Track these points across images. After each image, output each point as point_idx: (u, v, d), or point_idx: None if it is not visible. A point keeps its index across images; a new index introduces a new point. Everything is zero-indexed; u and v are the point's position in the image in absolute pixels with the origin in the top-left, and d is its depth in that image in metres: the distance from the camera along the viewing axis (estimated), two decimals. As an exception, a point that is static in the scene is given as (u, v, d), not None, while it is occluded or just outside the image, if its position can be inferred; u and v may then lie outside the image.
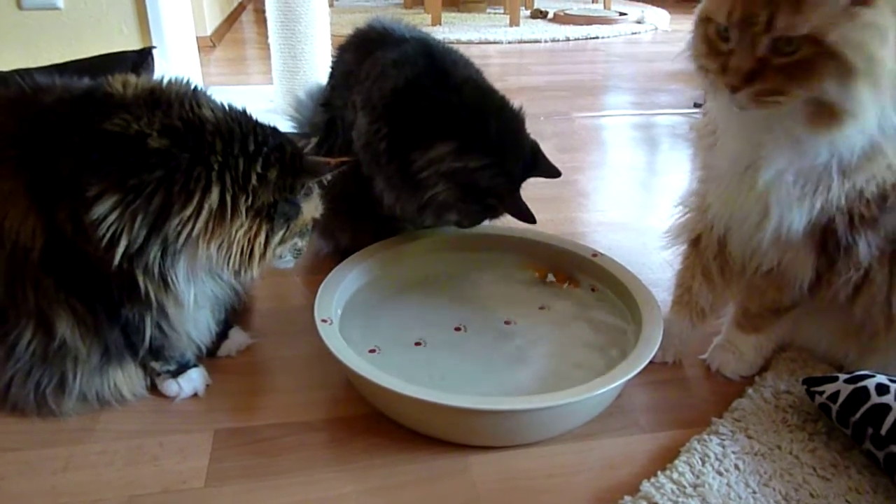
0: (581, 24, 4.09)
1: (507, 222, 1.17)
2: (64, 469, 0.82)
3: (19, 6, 1.84)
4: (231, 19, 4.02)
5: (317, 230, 1.16)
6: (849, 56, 0.68)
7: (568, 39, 3.83)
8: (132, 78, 0.83)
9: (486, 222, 1.15)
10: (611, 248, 1.23)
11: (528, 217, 1.08)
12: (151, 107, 0.78)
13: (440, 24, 4.05)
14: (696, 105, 2.36)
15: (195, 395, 0.94)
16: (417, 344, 1.02)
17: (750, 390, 0.95)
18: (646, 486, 0.79)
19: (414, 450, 0.86)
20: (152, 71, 1.62)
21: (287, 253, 0.90)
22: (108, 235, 0.75)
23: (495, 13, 4.57)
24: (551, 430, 0.88)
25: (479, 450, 0.86)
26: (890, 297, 0.85)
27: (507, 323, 1.08)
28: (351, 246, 1.18)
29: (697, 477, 0.80)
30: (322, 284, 1.04)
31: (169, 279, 0.80)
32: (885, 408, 0.80)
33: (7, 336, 0.82)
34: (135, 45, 1.88)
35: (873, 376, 0.84)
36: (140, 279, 0.79)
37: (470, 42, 3.62)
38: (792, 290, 0.89)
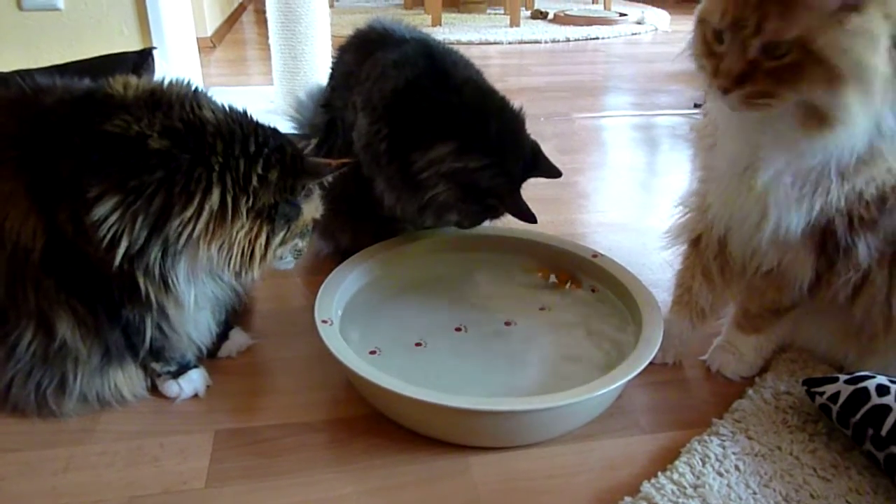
0: (581, 25, 4.09)
1: (507, 223, 1.17)
2: (64, 470, 0.82)
3: (20, 7, 1.84)
4: (231, 20, 4.03)
5: (317, 231, 1.16)
6: (836, 62, 0.68)
7: (568, 40, 3.83)
8: (133, 79, 0.83)
9: (487, 223, 1.16)
10: (611, 248, 1.24)
11: (528, 217, 1.08)
12: (152, 108, 0.78)
13: (440, 24, 4.05)
14: (696, 105, 2.36)
15: (196, 395, 0.94)
16: (418, 345, 1.02)
17: (750, 391, 0.95)
18: (646, 487, 0.79)
19: (414, 450, 0.86)
20: (153, 72, 1.62)
21: (287, 254, 0.90)
22: (108, 236, 0.75)
23: (495, 14, 4.57)
24: (552, 431, 0.88)
25: (480, 450, 0.86)
26: (889, 298, 0.85)
27: (507, 324, 1.08)
28: (351, 247, 1.18)
29: (698, 478, 0.80)
30: (322, 285, 1.04)
31: (169, 280, 0.80)
32: (886, 409, 0.80)
33: (7, 337, 0.82)
34: (135, 45, 1.88)
35: (874, 377, 0.84)
36: (140, 280, 0.79)
37: (470, 43, 3.62)
38: (792, 290, 0.89)
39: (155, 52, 1.68)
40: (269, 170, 0.81)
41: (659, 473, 0.81)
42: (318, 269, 1.19)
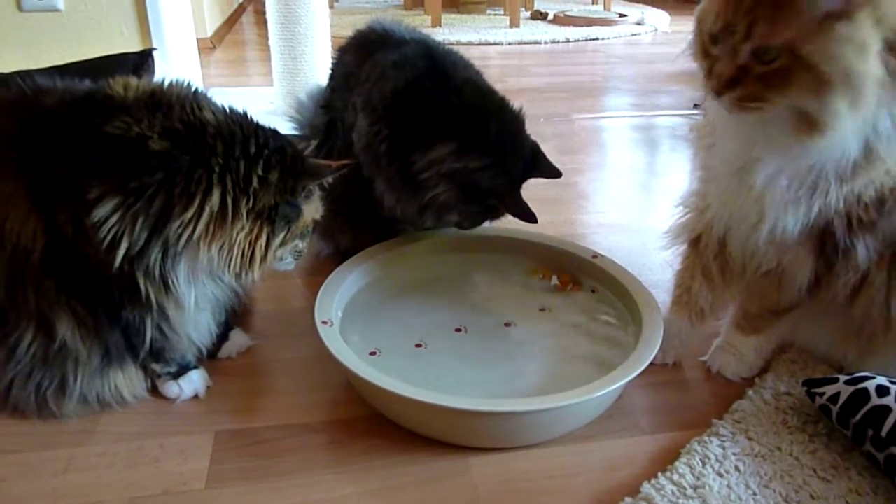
0: (581, 26, 4.10)
1: (507, 224, 1.18)
2: (64, 471, 0.82)
3: (20, 8, 1.85)
4: (231, 21, 4.03)
5: (317, 232, 1.16)
6: (823, 69, 0.69)
7: (568, 41, 3.84)
8: (133, 80, 0.83)
9: (487, 223, 1.16)
10: (611, 249, 1.24)
11: (529, 216, 1.08)
12: (152, 109, 0.78)
13: (440, 25, 4.06)
14: (696, 106, 2.36)
15: (196, 396, 0.94)
16: (418, 346, 1.02)
17: (750, 392, 0.95)
18: (646, 488, 0.79)
19: (414, 451, 0.86)
20: (153, 72, 1.62)
21: (288, 255, 0.90)
22: (108, 238, 0.75)
23: (495, 14, 4.57)
24: (552, 432, 0.88)
25: (480, 451, 0.86)
26: (888, 299, 0.85)
27: (507, 325, 1.08)
28: (351, 248, 1.19)
29: (698, 478, 0.80)
30: (322, 286, 1.04)
31: (170, 281, 0.80)
32: (886, 409, 0.80)
33: (8, 338, 0.82)
34: (135, 46, 1.88)
35: (873, 378, 0.84)
36: (141, 281, 0.79)
37: (470, 43, 3.62)
38: (791, 291, 0.89)
39: (155, 53, 1.68)
40: (269, 171, 0.81)
41: (659, 474, 0.81)
42: (318, 270, 1.19)
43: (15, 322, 0.81)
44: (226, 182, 0.78)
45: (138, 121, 0.76)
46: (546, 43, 3.79)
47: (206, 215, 0.77)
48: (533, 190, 1.10)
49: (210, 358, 1.00)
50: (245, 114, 0.85)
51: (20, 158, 0.78)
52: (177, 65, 1.99)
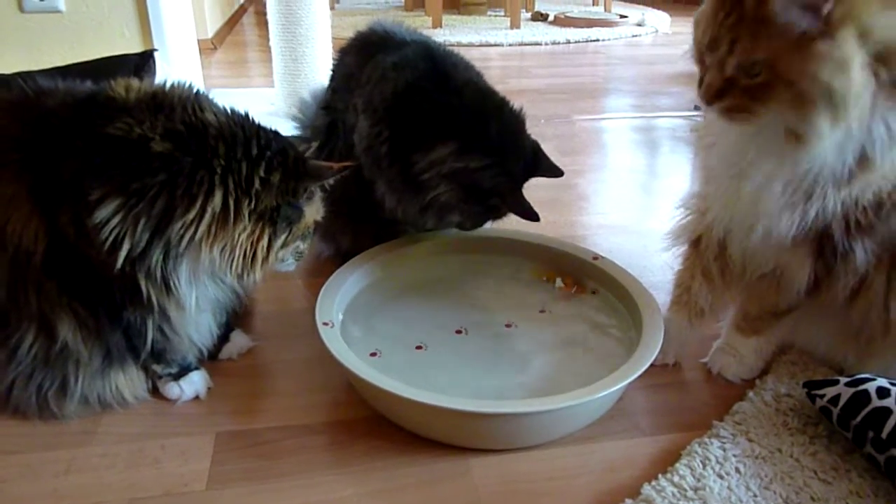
0: (581, 27, 4.10)
1: (508, 224, 1.18)
2: (65, 472, 0.82)
3: (21, 9, 1.85)
4: (232, 22, 4.03)
5: (318, 233, 1.16)
6: (803, 87, 0.70)
7: (568, 42, 3.84)
8: (135, 82, 0.83)
9: (489, 224, 1.16)
10: (611, 251, 1.24)
11: (531, 215, 1.08)
12: (154, 111, 0.78)
13: (441, 26, 4.06)
14: (697, 108, 2.36)
15: (196, 397, 0.95)
16: (419, 347, 1.02)
17: (750, 393, 0.95)
18: (646, 490, 0.79)
19: (415, 453, 0.86)
20: (154, 73, 1.62)
21: (289, 256, 0.90)
22: (110, 239, 0.75)
23: (496, 16, 4.57)
24: (552, 434, 0.88)
25: (480, 453, 0.86)
26: (887, 302, 0.85)
27: (507, 326, 1.08)
28: (352, 249, 1.19)
29: (698, 480, 0.80)
30: (323, 287, 1.04)
31: (171, 283, 0.80)
32: (886, 411, 0.80)
33: (9, 339, 0.82)
34: (136, 47, 1.89)
35: (874, 380, 0.84)
36: (142, 283, 0.79)
37: (471, 45, 3.63)
38: (790, 293, 0.90)
39: (156, 54, 1.68)
40: (271, 172, 0.81)
41: (659, 476, 0.81)
42: (319, 272, 1.19)
43: (16, 323, 0.81)
44: (228, 183, 0.78)
45: (140, 122, 0.76)
46: (547, 44, 3.79)
47: (207, 216, 0.77)
48: (533, 192, 1.10)
49: (211, 359, 1.01)
50: (247, 115, 0.86)
51: (22, 160, 0.79)
52: (178, 66, 1.99)
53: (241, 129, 0.82)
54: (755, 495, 0.78)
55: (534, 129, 1.12)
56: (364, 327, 1.05)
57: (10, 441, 0.86)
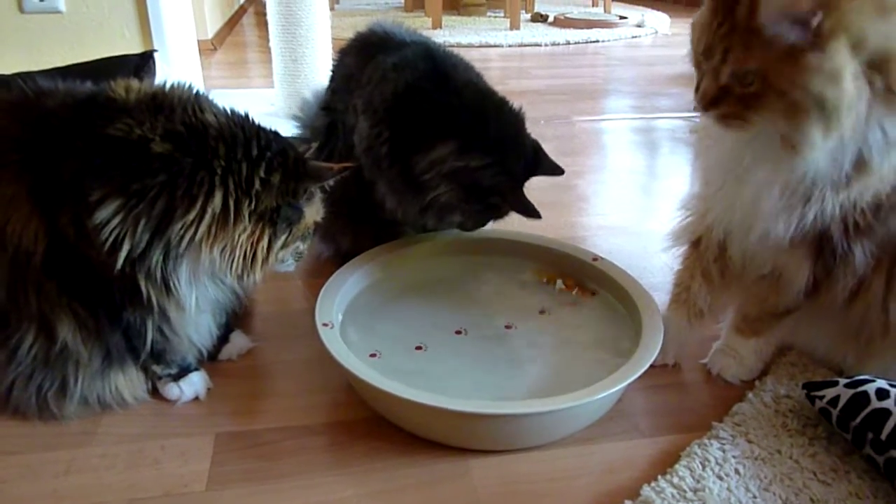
0: (581, 28, 4.10)
1: (508, 225, 1.18)
2: (65, 472, 0.82)
3: (21, 9, 1.85)
4: (232, 22, 4.03)
5: (318, 234, 1.16)
6: (794, 97, 0.70)
7: (568, 43, 3.84)
8: (135, 83, 0.83)
9: (490, 224, 1.16)
10: (611, 251, 1.24)
11: (532, 213, 1.08)
12: (154, 111, 0.78)
13: (441, 27, 4.06)
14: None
15: (196, 398, 0.94)
16: (418, 348, 1.02)
17: (750, 395, 0.95)
18: (646, 491, 0.79)
19: (414, 453, 0.86)
20: (154, 74, 1.63)
21: (289, 256, 0.90)
22: (110, 240, 0.75)
23: (496, 17, 4.58)
24: (552, 435, 0.88)
25: (480, 454, 0.86)
26: (886, 303, 0.85)
27: (507, 327, 1.08)
28: (352, 249, 1.19)
29: (698, 481, 0.80)
30: (323, 288, 1.04)
31: (171, 283, 0.80)
32: (886, 412, 0.80)
33: (9, 340, 0.82)
34: (136, 48, 1.89)
35: (873, 381, 0.84)
36: (142, 283, 0.79)
37: (470, 45, 3.63)
38: (790, 294, 0.90)
39: (156, 55, 1.69)
40: (271, 173, 0.81)
41: (659, 477, 0.81)
42: (319, 272, 1.19)
43: (16, 324, 0.81)
44: (228, 184, 0.78)
45: (140, 123, 0.77)
46: (546, 45, 3.79)
47: (208, 217, 0.77)
48: (533, 192, 1.10)
49: (210, 360, 1.01)
50: (247, 116, 0.86)
51: (22, 160, 0.79)
52: (178, 66, 1.99)
53: (242, 130, 0.82)
54: (755, 497, 0.78)
55: (533, 130, 1.12)
56: (364, 328, 1.05)
57: (10, 442, 0.86)
